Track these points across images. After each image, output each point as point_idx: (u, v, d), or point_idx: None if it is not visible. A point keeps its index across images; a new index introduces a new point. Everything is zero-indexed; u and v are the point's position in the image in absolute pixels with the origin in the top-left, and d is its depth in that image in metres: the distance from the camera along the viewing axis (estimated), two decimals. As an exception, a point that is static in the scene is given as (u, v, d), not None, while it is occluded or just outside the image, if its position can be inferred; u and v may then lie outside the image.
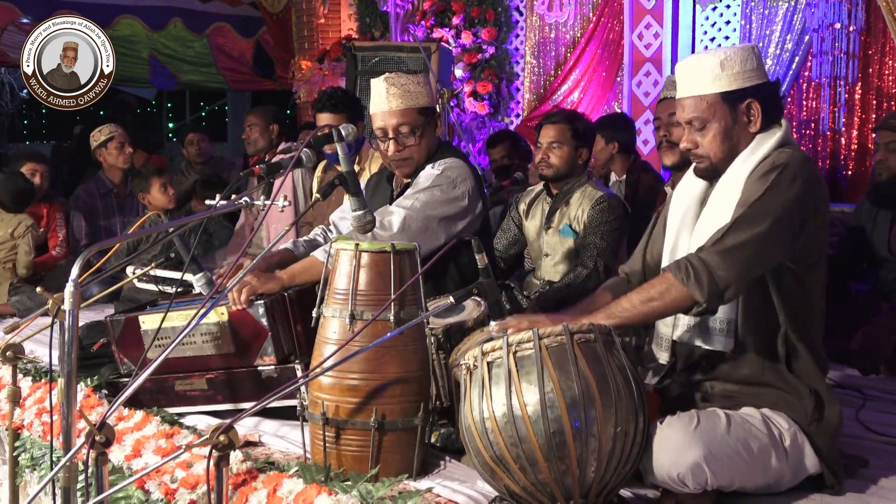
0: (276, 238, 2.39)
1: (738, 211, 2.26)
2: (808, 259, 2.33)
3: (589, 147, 4.12)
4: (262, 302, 2.77)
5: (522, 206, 4.29)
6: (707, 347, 2.38)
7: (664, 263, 2.50)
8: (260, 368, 2.82)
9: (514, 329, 2.27)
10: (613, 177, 5.30)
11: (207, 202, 2.54)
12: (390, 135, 3.12)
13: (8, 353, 2.68)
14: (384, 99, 3.10)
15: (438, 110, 3.52)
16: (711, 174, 2.42)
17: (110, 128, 6.03)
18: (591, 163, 4.37)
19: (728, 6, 6.64)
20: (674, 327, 2.44)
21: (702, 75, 2.35)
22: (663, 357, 2.49)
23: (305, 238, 3.35)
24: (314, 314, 2.48)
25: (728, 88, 2.33)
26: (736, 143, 2.36)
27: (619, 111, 6.96)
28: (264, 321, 2.77)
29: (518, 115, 7.92)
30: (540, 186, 4.24)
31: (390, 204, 3.14)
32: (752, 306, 2.32)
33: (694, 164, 2.47)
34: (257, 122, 6.02)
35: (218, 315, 2.79)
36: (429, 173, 3.12)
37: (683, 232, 2.45)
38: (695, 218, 2.45)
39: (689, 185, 2.52)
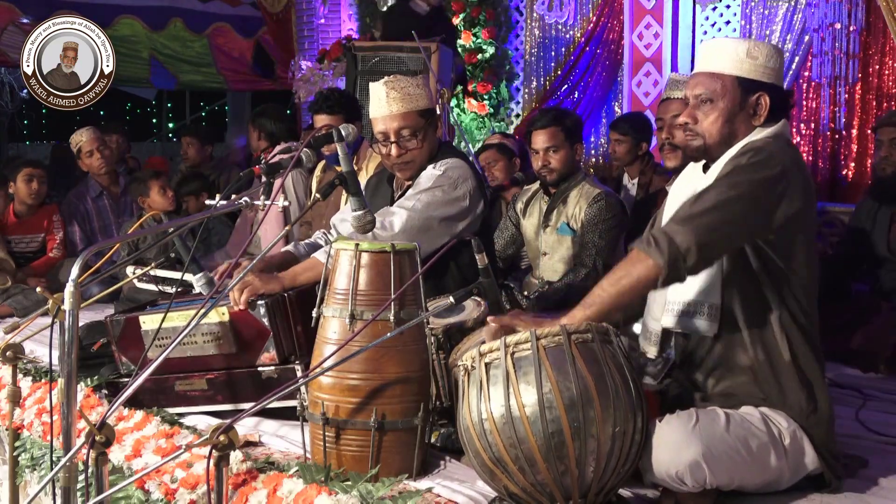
0: (273, 239, 2.39)
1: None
2: (791, 250, 2.31)
3: (581, 141, 4.12)
4: (263, 302, 2.78)
5: (520, 206, 4.29)
6: (690, 331, 2.37)
7: None
8: (260, 369, 2.82)
9: (501, 326, 2.26)
10: (626, 178, 5.30)
11: (207, 202, 2.55)
12: (392, 138, 3.11)
13: (8, 353, 2.68)
14: (384, 103, 3.09)
15: (438, 111, 3.52)
16: (701, 155, 2.42)
17: (76, 137, 6.01)
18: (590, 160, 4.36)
19: (728, 6, 6.65)
20: (662, 318, 2.44)
21: (725, 55, 2.37)
22: (651, 351, 2.49)
23: (306, 241, 3.35)
24: (314, 314, 2.48)
25: (747, 76, 2.35)
26: (735, 131, 2.37)
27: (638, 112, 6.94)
28: (266, 321, 2.77)
29: (518, 116, 7.92)
30: (536, 185, 4.23)
31: (391, 205, 3.14)
32: (738, 293, 2.32)
33: (686, 141, 2.46)
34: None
35: (219, 315, 2.80)
36: (430, 174, 3.11)
37: None
38: None
39: (685, 181, 2.53)
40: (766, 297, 2.32)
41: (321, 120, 4.27)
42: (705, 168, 2.45)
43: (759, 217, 2.25)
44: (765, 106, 2.35)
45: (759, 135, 2.36)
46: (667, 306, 2.42)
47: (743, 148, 2.31)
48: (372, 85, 3.16)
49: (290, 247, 3.28)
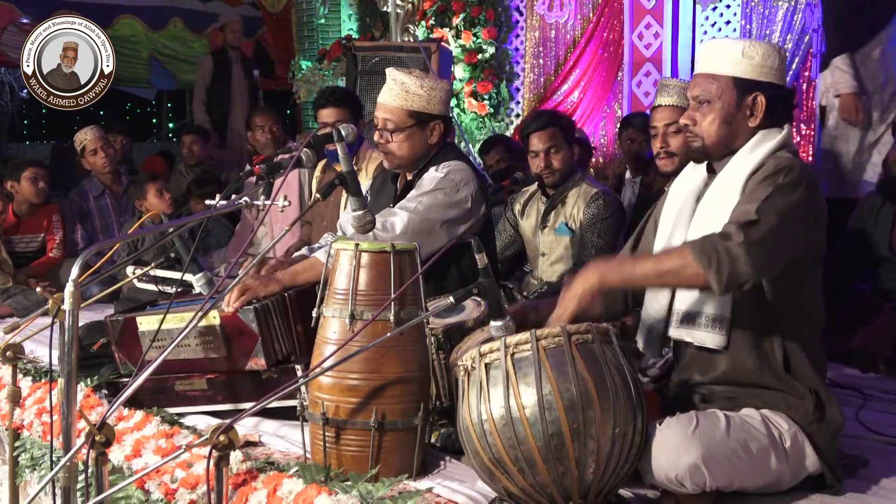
0: (276, 238, 2.39)
1: (749, 207, 2.21)
2: (807, 262, 2.32)
3: (575, 143, 4.15)
4: (251, 307, 2.76)
5: (517, 207, 4.30)
6: (698, 344, 2.37)
7: None
8: (256, 370, 2.81)
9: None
10: (628, 176, 5.31)
11: (207, 202, 2.54)
12: (378, 125, 3.16)
13: (8, 353, 2.68)
14: (386, 90, 3.15)
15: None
16: (702, 156, 2.43)
17: (80, 136, 6.01)
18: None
19: (728, 6, 6.64)
20: (667, 323, 2.43)
21: (722, 56, 2.38)
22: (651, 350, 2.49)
23: (319, 244, 3.36)
24: (314, 314, 2.47)
25: (741, 75, 2.35)
26: (733, 133, 2.37)
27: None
28: (254, 326, 2.76)
29: (518, 116, 7.91)
30: (534, 187, 4.23)
31: (394, 202, 3.14)
32: (747, 305, 2.31)
33: (687, 143, 2.47)
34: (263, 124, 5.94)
35: (210, 319, 2.78)
36: (432, 176, 3.12)
37: (678, 228, 2.44)
38: (690, 214, 2.44)
39: (685, 182, 2.52)
40: (776, 310, 2.31)
41: (327, 114, 4.29)
42: (709, 168, 2.45)
43: (798, 241, 2.24)
44: (761, 106, 2.35)
45: (769, 142, 2.33)
46: (673, 315, 2.41)
47: (775, 166, 2.27)
48: (388, 69, 3.20)
49: (304, 250, 3.30)
